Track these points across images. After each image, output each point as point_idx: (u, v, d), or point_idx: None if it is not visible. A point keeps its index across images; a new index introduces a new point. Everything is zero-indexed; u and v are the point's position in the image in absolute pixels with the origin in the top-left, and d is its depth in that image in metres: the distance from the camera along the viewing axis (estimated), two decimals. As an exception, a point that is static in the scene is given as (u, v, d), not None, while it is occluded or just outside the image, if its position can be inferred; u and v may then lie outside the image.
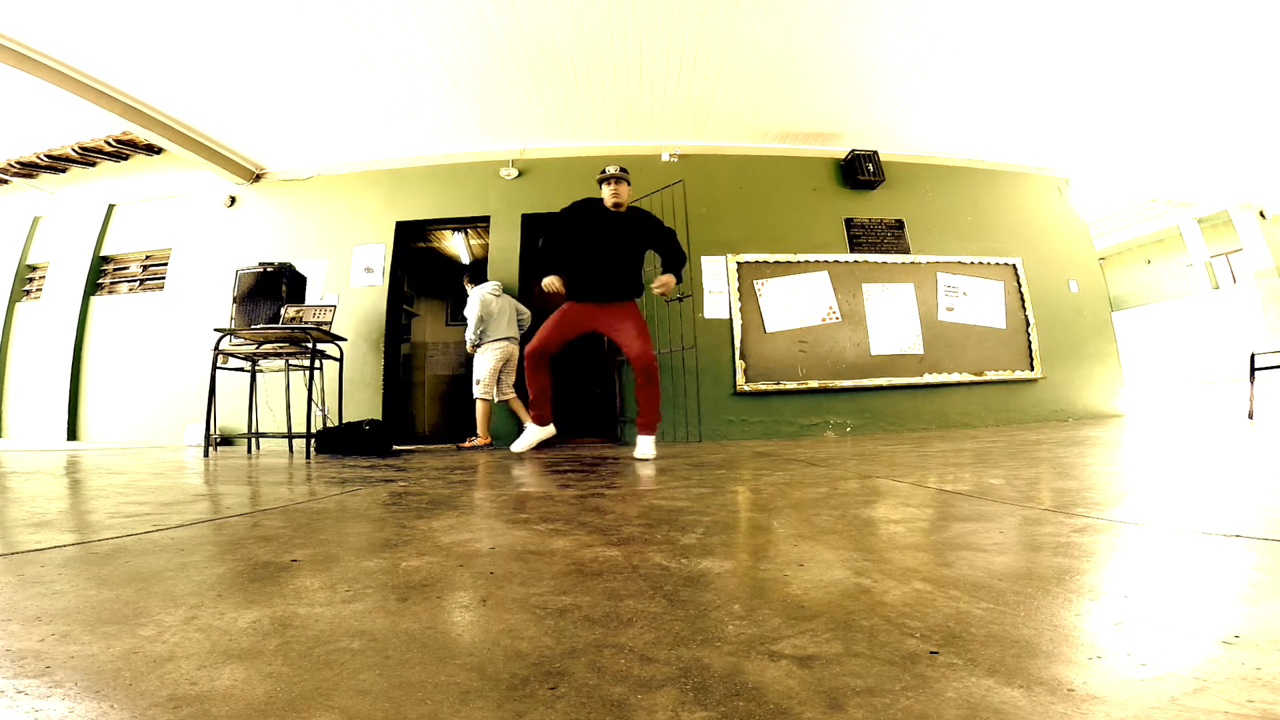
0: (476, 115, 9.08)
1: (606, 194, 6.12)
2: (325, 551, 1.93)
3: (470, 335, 8.37)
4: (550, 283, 5.91)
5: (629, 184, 6.22)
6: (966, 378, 9.57)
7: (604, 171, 6.15)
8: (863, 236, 10.00)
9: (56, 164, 10.82)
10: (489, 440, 8.37)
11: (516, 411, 8.45)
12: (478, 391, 8.33)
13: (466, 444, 8.32)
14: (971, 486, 3.03)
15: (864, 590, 1.39)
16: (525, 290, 9.59)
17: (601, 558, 1.79)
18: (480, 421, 8.33)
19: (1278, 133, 10.43)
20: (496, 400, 8.42)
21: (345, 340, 8.28)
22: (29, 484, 3.82)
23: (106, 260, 10.93)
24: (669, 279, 6.00)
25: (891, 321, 9.63)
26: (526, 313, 8.88)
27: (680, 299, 8.68)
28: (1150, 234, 18.50)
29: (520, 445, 6.28)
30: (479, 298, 8.43)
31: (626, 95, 8.70)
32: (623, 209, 6.18)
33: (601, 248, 6.07)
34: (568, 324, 6.05)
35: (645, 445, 5.83)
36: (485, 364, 8.30)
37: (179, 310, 10.05)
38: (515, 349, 8.50)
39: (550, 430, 6.28)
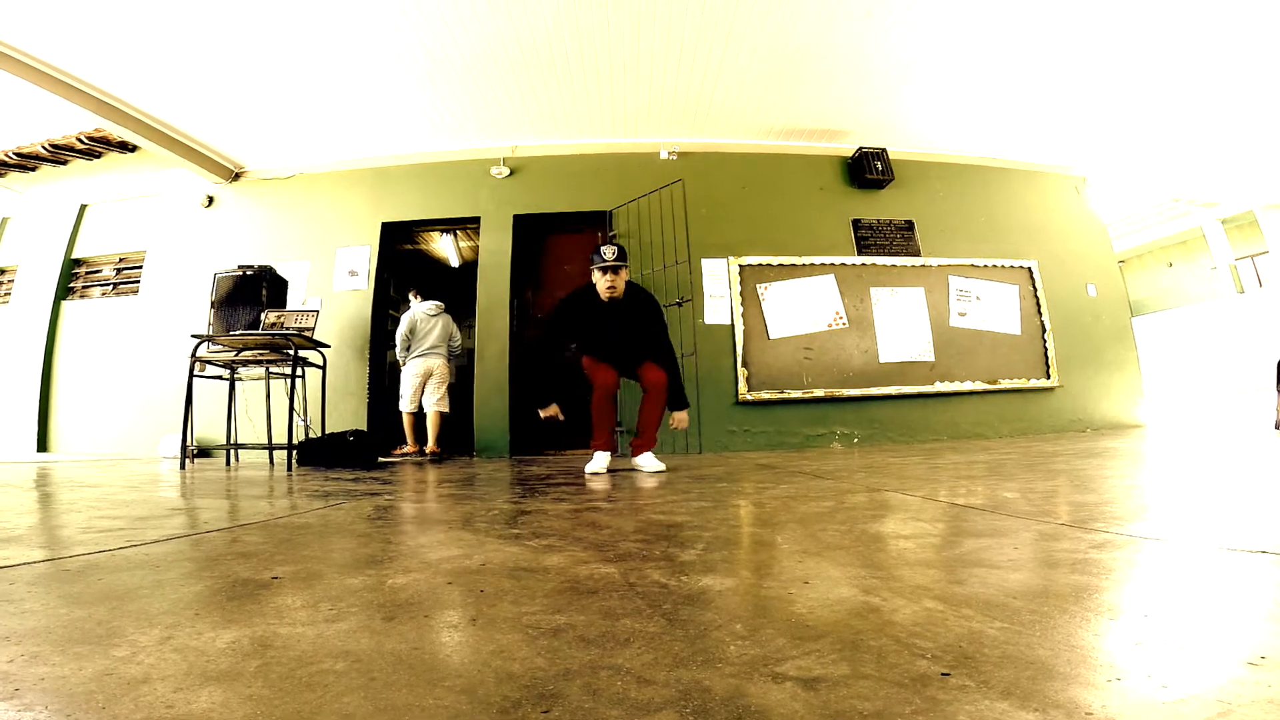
0: (466, 112, 9.09)
1: (601, 285, 6.15)
2: (307, 568, 1.93)
3: (397, 352, 9.08)
4: (550, 413, 6.04)
5: (628, 268, 6.25)
6: (979, 386, 9.58)
7: (600, 256, 6.14)
8: (871, 238, 10.01)
9: (26, 162, 10.78)
10: (418, 449, 8.84)
11: (405, 429, 8.98)
12: (400, 404, 8.96)
13: (396, 452, 8.93)
14: (985, 500, 3.04)
15: (872, 609, 1.39)
16: (518, 300, 9.60)
17: (597, 575, 1.79)
18: (408, 430, 8.93)
19: (1305, 130, 10.45)
20: (420, 411, 9.02)
21: (328, 347, 8.28)
22: (-4, 498, 3.82)
23: (78, 263, 10.91)
24: (682, 417, 6.31)
25: (901, 327, 9.64)
26: (459, 339, 9.53)
27: (679, 303, 8.69)
28: (1172, 235, 18.47)
29: (596, 468, 5.99)
30: (407, 317, 9.11)
31: (623, 90, 8.70)
32: (618, 296, 6.21)
33: (611, 337, 6.20)
34: (609, 367, 6.17)
35: (651, 460, 5.98)
36: (406, 379, 8.93)
37: (154, 315, 10.04)
38: (437, 364, 9.11)
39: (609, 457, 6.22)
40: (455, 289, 14.58)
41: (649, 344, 6.31)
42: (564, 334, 6.29)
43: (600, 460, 5.95)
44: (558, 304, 6.40)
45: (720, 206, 9.81)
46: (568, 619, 1.37)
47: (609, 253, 6.11)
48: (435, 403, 8.78)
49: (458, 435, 10.78)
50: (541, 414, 6.03)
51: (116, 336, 10.10)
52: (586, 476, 5.52)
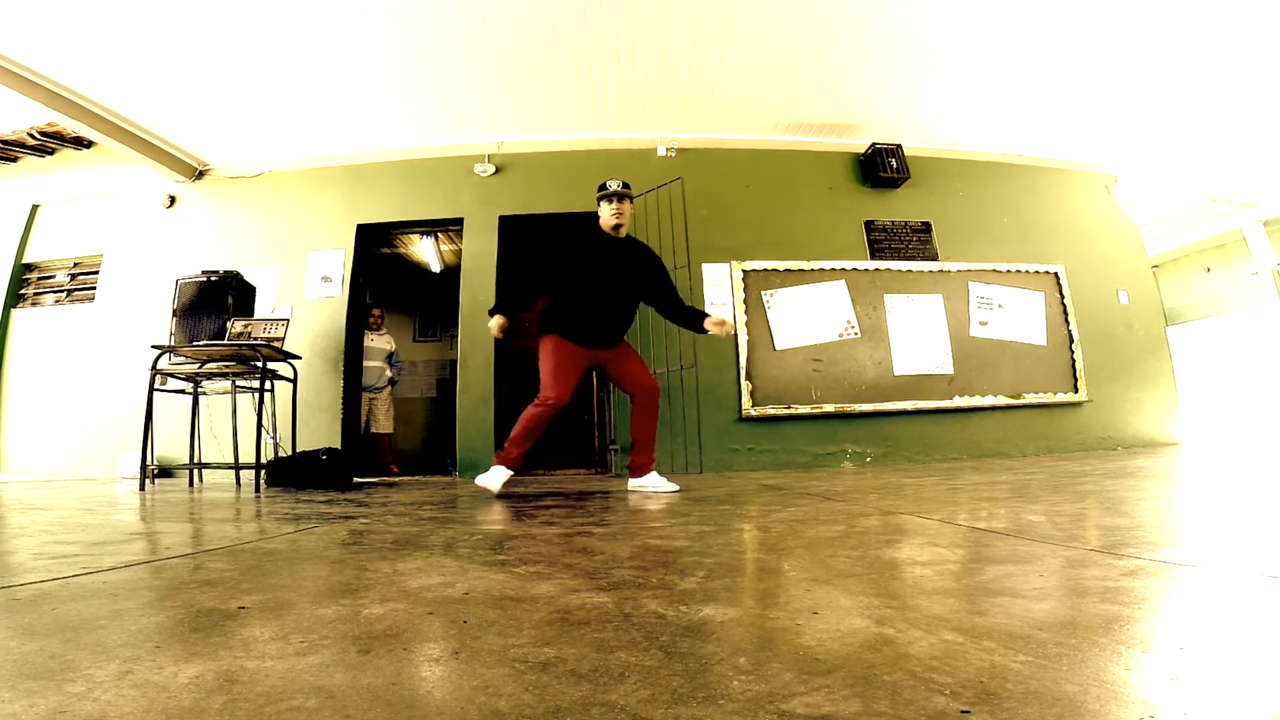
0: (448, 105, 9.11)
1: (606, 213, 5.98)
2: (277, 597, 1.92)
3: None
4: (498, 324, 5.87)
5: (632, 202, 6.12)
6: (1002, 401, 9.59)
7: (604, 186, 6.00)
8: (885, 241, 10.04)
9: (-28, 159, 10.79)
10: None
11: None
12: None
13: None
14: (1008, 524, 3.04)
15: (886, 641, 1.39)
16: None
17: (589, 604, 1.79)
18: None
19: (1352, 125, 10.47)
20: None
21: (300, 358, 8.27)
22: (-60, 521, 3.81)
23: (29, 268, 10.88)
24: (716, 320, 5.93)
25: (917, 337, 9.66)
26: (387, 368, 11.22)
27: (679, 311, 8.70)
28: (1210, 238, 18.42)
29: (492, 482, 5.81)
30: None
31: (618, 81, 8.73)
32: (624, 233, 6.10)
33: (604, 284, 5.96)
34: (575, 369, 5.93)
35: (659, 479, 5.94)
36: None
37: (112, 324, 10.02)
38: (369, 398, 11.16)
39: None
40: (436, 295, 14.63)
41: (633, 306, 6.17)
42: (550, 276, 5.97)
43: (496, 476, 5.79)
44: (569, 237, 6.17)
45: (722, 207, 9.83)
46: (558, 652, 1.37)
47: (614, 183, 5.99)
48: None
49: (439, 453, 10.79)
50: (491, 326, 5.89)
51: (71, 347, 10.08)
52: (478, 486, 5.84)
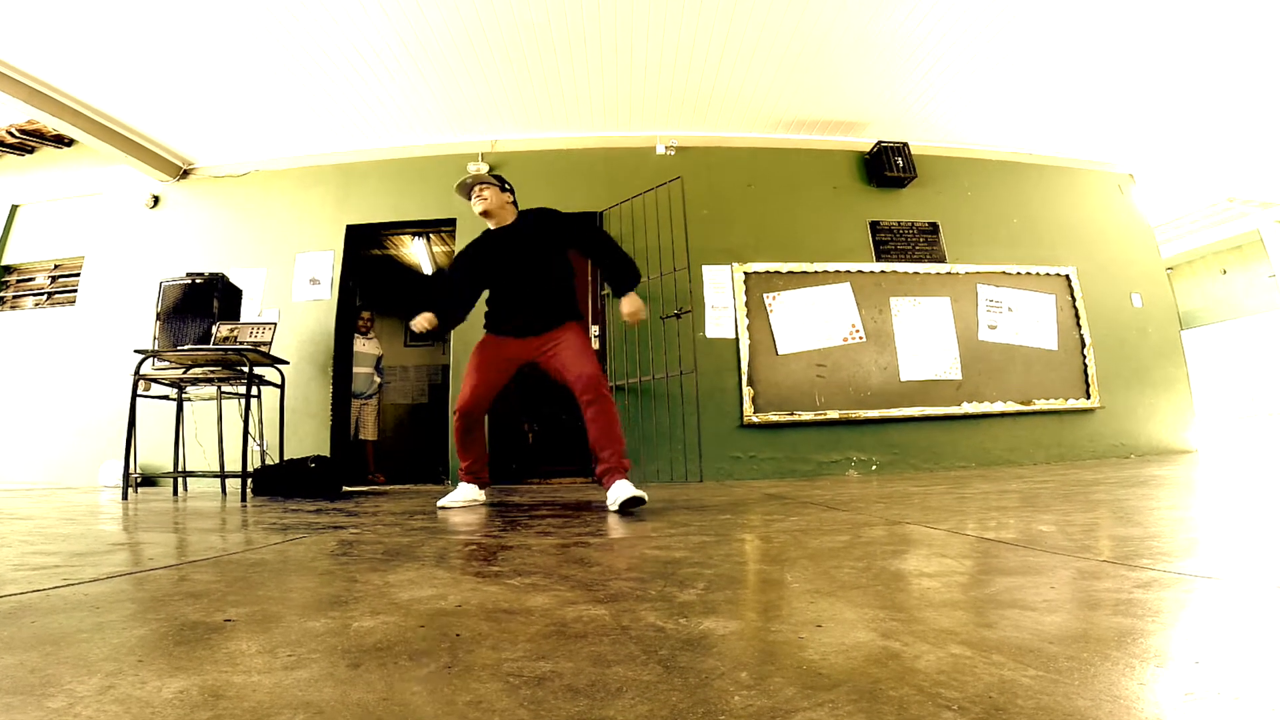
0: (440, 101, 9.12)
1: (474, 207, 5.85)
2: (264, 610, 1.92)
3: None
4: (420, 322, 5.75)
5: (500, 187, 5.88)
6: (1012, 407, 9.60)
7: (461, 183, 5.85)
8: (891, 242, 10.04)
9: (-51, 158, 10.79)
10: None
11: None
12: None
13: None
14: (1018, 534, 3.04)
15: (892, 655, 1.39)
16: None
17: (586, 617, 1.79)
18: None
19: (1372, 123, 10.48)
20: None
21: (287, 363, 8.30)
22: (-85, 531, 3.81)
23: (8, 270, 10.89)
24: (633, 303, 5.50)
25: (924, 341, 9.67)
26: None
27: (678, 315, 8.70)
28: (1226, 239, 18.38)
29: (449, 500, 5.64)
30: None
31: (616, 77, 8.73)
32: (496, 217, 5.86)
33: (503, 272, 5.76)
34: (491, 368, 5.67)
35: (623, 488, 4.94)
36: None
37: (93, 328, 10.01)
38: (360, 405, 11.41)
39: (481, 494, 5.88)
40: (429, 298, 14.63)
41: (559, 285, 5.73)
42: (458, 285, 5.96)
43: (462, 493, 5.70)
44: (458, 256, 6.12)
45: (723, 207, 9.84)
46: (553, 666, 1.37)
47: (470, 174, 5.97)
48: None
49: (430, 461, 10.79)
50: (413, 324, 5.74)
51: (51, 351, 10.06)
52: (439, 510, 5.37)
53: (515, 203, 6.01)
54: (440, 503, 5.63)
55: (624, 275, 5.60)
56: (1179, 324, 10.94)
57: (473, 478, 5.80)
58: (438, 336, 5.92)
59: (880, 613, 1.74)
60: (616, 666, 1.36)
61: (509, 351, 5.69)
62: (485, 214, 5.82)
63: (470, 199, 5.84)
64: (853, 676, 1.26)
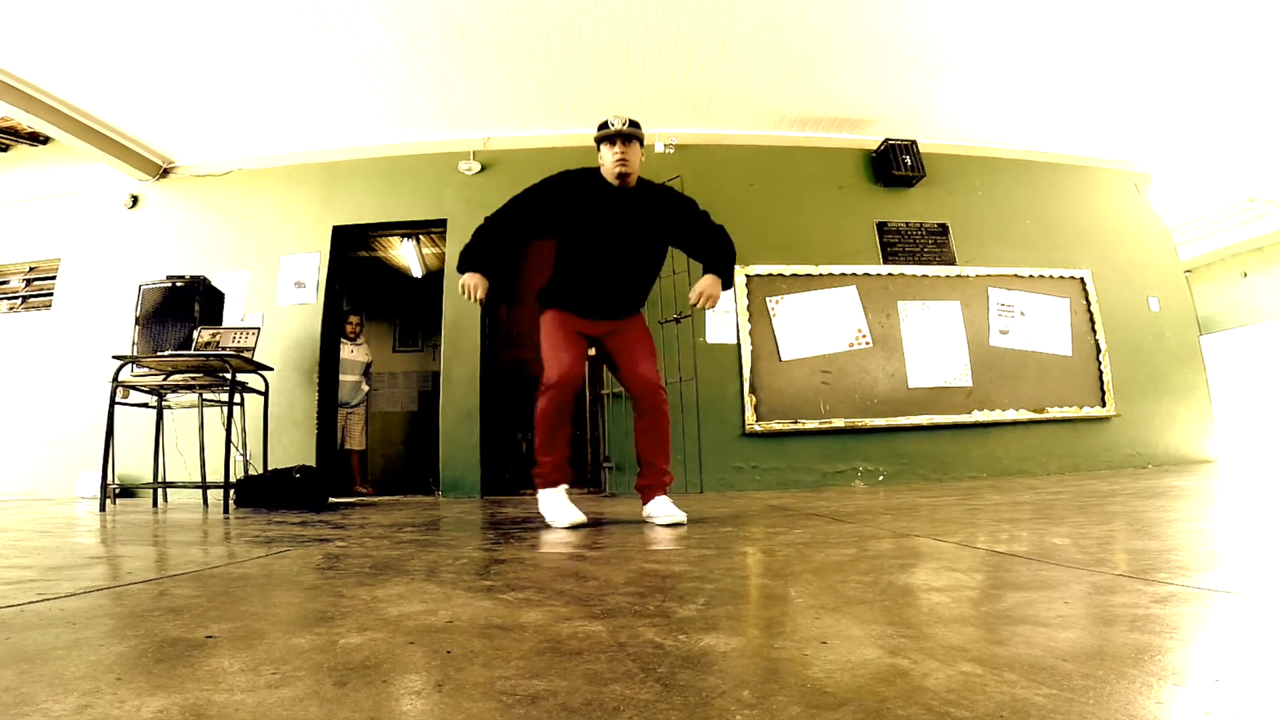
0: (430, 97, 9.12)
1: (608, 160, 5.07)
2: (247, 626, 1.92)
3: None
4: (472, 283, 5.25)
5: (642, 145, 5.19)
6: (1024, 415, 9.61)
7: (605, 124, 5.09)
8: (898, 244, 10.04)
9: (-81, 156, 10.78)
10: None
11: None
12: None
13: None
14: (1030, 547, 3.05)
15: (900, 673, 1.39)
16: (490, 315, 9.57)
17: (582, 633, 1.79)
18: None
19: (1399, 120, 10.48)
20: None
21: (271, 370, 8.28)
22: (-116, 545, 3.81)
23: (-19, 273, 10.85)
24: (713, 284, 5.24)
25: (933, 347, 9.67)
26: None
27: (677, 319, 8.70)
28: (1247, 240, 18.31)
29: (561, 518, 4.83)
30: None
31: (613, 72, 8.74)
32: (632, 181, 5.17)
33: (606, 246, 5.12)
34: (575, 336, 5.17)
35: (666, 507, 4.86)
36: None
37: (70, 333, 9.99)
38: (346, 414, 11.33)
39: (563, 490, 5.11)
40: (418, 302, 14.63)
41: (655, 271, 5.40)
42: (531, 220, 5.33)
43: (560, 504, 4.94)
44: (545, 180, 5.36)
45: (725, 207, 9.68)
46: (548, 684, 1.37)
47: (617, 120, 5.05)
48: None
49: (420, 471, 10.80)
50: (464, 284, 5.25)
51: (26, 357, 10.05)
52: (553, 529, 4.67)
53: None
54: (553, 518, 4.85)
55: (726, 260, 5.36)
56: (1198, 329, 10.94)
57: (550, 476, 5.04)
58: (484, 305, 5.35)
59: (888, 629, 1.74)
60: (613, 685, 1.36)
61: (589, 329, 5.25)
62: (621, 176, 5.09)
63: (609, 145, 5.06)
64: (859, 695, 1.26)
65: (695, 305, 5.23)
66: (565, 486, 5.06)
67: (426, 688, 1.37)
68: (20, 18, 7.25)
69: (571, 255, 5.21)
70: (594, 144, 5.20)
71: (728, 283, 5.26)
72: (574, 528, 4.66)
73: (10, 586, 2.51)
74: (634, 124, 5.05)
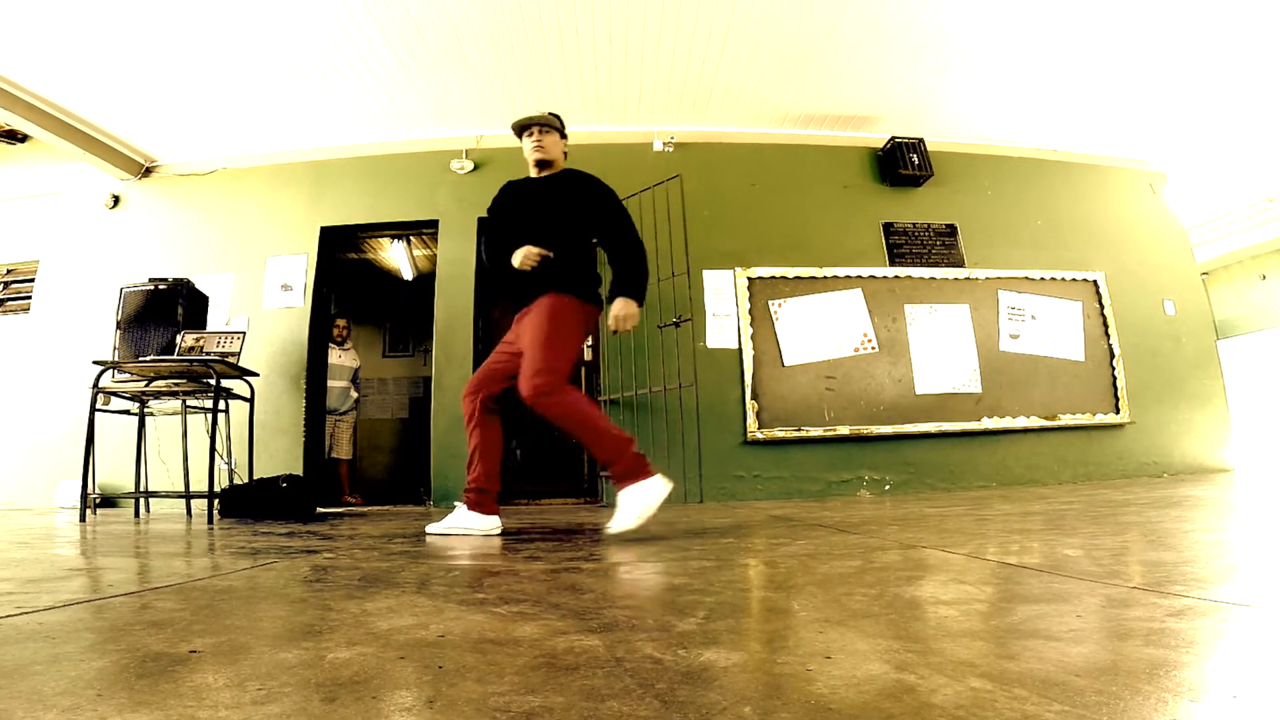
0: (422, 94, 9.13)
1: (526, 147, 5.54)
2: (232, 640, 1.91)
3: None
4: (531, 255, 5.03)
5: (560, 133, 5.70)
6: (1035, 422, 9.60)
7: (517, 121, 5.53)
8: (905, 245, 10.05)
9: (-107, 154, 10.76)
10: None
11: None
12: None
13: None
14: (1042, 559, 3.05)
15: (907, 688, 1.39)
16: (484, 318, 9.59)
17: (578, 648, 1.78)
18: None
19: None
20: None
21: (257, 375, 8.26)
22: None
23: (-43, 275, 10.80)
24: (625, 308, 5.15)
25: (941, 352, 9.68)
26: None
27: (676, 323, 8.70)
28: (1266, 242, 18.22)
29: (438, 528, 5.11)
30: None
31: (610, 68, 8.75)
32: (555, 168, 5.64)
33: (520, 226, 5.35)
34: (504, 343, 5.34)
35: (626, 500, 4.72)
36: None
37: (49, 338, 9.98)
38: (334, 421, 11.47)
39: (495, 523, 5.15)
40: (409, 306, 14.63)
41: (568, 248, 5.24)
42: (497, 228, 5.55)
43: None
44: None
45: (726, 208, 9.86)
46: (543, 700, 1.37)
47: (537, 114, 5.55)
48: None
49: (411, 480, 10.78)
50: (517, 261, 5.04)
51: (3, 362, 10.03)
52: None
53: (566, 154, 5.86)
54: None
55: (629, 272, 5.20)
56: (1215, 333, 10.94)
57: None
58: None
59: (894, 643, 1.74)
60: (610, 701, 1.36)
61: (518, 323, 5.30)
62: (538, 163, 5.56)
63: (526, 135, 5.53)
64: (865, 712, 1.26)
65: (614, 333, 5.26)
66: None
67: (418, 704, 1.37)
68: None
69: (504, 241, 5.35)
70: (514, 137, 5.68)
71: (640, 300, 5.22)
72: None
73: (-13, 599, 2.51)
74: (553, 115, 5.60)
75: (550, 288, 5.08)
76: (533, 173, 5.64)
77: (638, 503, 4.69)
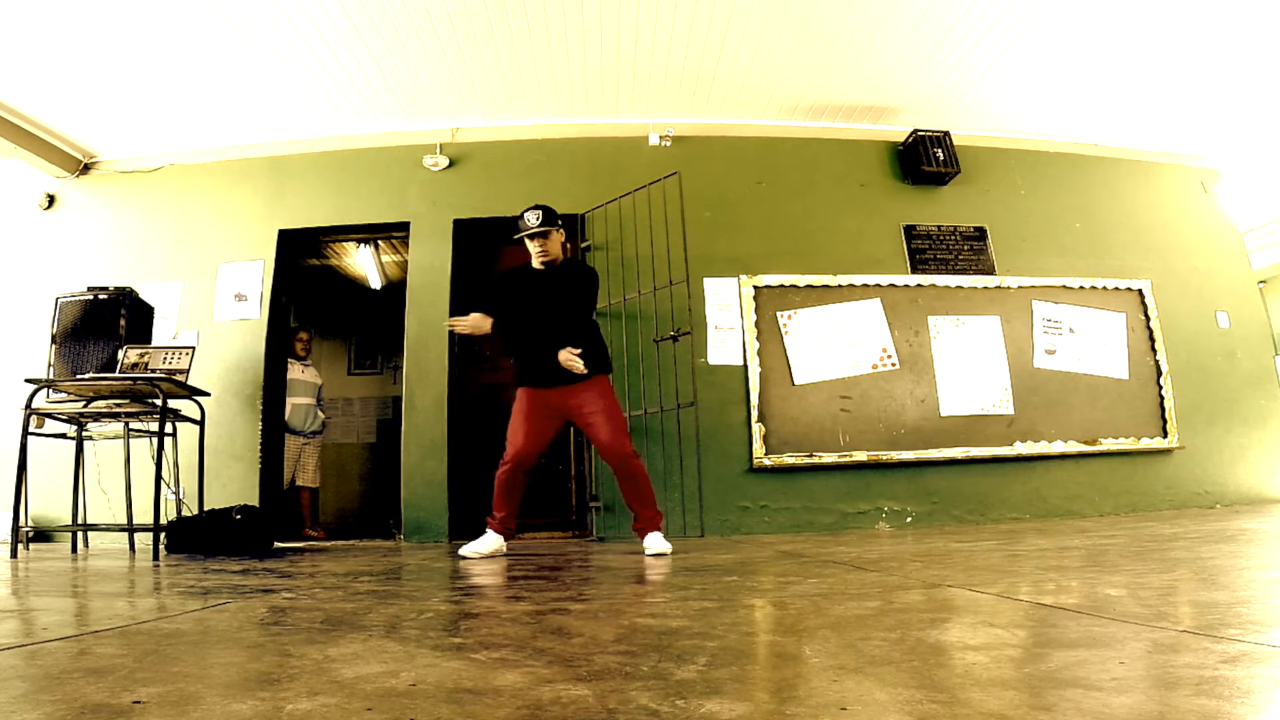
0: (391, 82, 9.13)
1: (532, 250, 6.72)
2: (180, 689, 1.90)
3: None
4: (468, 321, 6.65)
5: (561, 229, 6.84)
6: (1073, 447, 9.59)
7: (523, 220, 6.67)
8: (929, 251, 10.06)
9: None
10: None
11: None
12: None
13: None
14: (1081, 599, 3.04)
15: (931, 743, 1.39)
16: (461, 335, 9.55)
17: (565, 698, 1.77)
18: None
19: None
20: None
21: (208, 395, 8.26)
22: None
23: (-128, 284, 10.77)
24: (571, 355, 6.39)
25: (969, 369, 9.67)
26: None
27: (675, 337, 8.68)
28: (1329, 247, 18.40)
29: (473, 549, 6.42)
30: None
31: (600, 54, 8.75)
32: (558, 263, 6.81)
33: (535, 316, 6.62)
34: (540, 416, 6.60)
35: (655, 540, 6.40)
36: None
37: (-26, 353, 9.93)
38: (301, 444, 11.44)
39: (503, 545, 6.65)
40: (376, 317, 14.64)
41: (590, 335, 6.67)
42: (498, 308, 6.76)
43: (487, 542, 6.48)
44: (494, 276, 7.29)
45: (729, 208, 9.88)
46: (527, 757, 1.37)
47: (532, 217, 6.63)
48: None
49: (378, 512, 10.77)
50: (464, 323, 6.67)
51: (-77, 381, 9.95)
52: (463, 557, 6.25)
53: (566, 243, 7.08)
54: (462, 551, 6.39)
55: (598, 362, 6.63)
56: (1274, 348, 10.93)
57: (502, 528, 6.62)
58: (494, 354, 6.64)
59: (917, 693, 1.73)
60: (602, 757, 1.36)
61: (545, 403, 6.60)
62: (545, 263, 6.73)
63: (530, 241, 6.68)
64: (884, 768, 1.26)
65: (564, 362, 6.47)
66: (502, 537, 6.62)
67: (387, 761, 1.37)
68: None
69: (515, 332, 6.69)
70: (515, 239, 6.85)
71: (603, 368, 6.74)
72: (472, 558, 6.23)
73: (-93, 645, 2.51)
74: (547, 216, 6.67)
75: (598, 370, 6.54)
76: (536, 265, 6.81)
77: (663, 545, 6.33)
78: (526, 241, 6.67)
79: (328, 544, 9.01)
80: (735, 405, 9.20)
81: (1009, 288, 10.03)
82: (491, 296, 6.86)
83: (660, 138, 10.00)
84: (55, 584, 4.57)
